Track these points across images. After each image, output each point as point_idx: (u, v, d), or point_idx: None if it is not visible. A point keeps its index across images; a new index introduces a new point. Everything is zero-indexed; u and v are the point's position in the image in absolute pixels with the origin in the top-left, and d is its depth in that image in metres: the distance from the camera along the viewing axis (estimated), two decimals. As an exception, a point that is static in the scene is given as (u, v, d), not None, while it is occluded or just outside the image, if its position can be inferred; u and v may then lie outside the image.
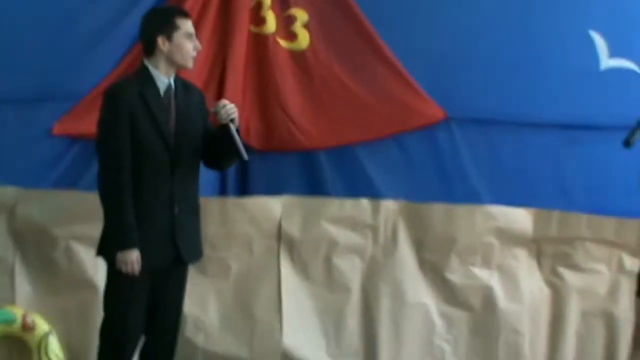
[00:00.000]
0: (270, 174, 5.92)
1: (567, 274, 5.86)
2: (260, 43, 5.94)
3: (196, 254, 4.63)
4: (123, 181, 4.42)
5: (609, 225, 5.76)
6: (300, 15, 5.93)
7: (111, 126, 4.45)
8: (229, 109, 4.56)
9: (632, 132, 4.67)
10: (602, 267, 5.81)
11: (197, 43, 4.49)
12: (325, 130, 5.93)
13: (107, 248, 4.55)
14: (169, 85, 4.48)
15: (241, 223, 5.57)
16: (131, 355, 4.64)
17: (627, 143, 4.64)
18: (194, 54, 4.48)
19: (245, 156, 4.55)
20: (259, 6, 5.91)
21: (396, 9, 5.87)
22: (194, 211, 4.56)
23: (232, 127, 4.55)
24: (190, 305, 5.49)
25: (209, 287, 5.60)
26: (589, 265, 5.85)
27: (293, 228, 5.66)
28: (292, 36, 5.93)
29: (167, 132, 4.44)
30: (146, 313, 4.63)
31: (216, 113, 4.54)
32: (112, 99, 4.44)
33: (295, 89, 5.95)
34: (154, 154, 4.41)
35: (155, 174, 4.44)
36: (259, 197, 5.69)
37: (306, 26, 5.93)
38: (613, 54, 5.98)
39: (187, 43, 4.46)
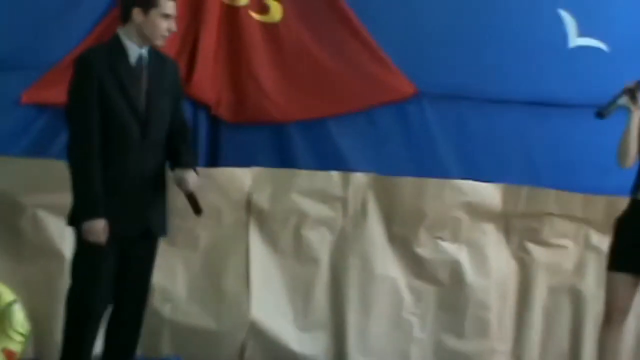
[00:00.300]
0: (241, 146, 5.95)
1: (535, 249, 5.94)
2: (232, 15, 5.96)
3: (164, 227, 4.63)
4: (91, 149, 4.44)
5: (576, 201, 5.84)
6: (273, -13, 5.82)
7: (80, 94, 4.45)
8: (193, 180, 4.54)
9: (608, 105, 4.72)
10: (569, 243, 5.90)
11: (173, 25, 4.48)
12: (297, 103, 5.98)
13: (75, 217, 4.52)
14: (140, 56, 4.46)
15: (210, 193, 5.55)
16: (97, 324, 4.64)
17: (599, 114, 4.71)
18: (166, 34, 4.47)
19: (199, 214, 4.63)
20: (231, -22, 5.80)
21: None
22: (162, 185, 4.55)
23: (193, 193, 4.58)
24: (158, 276, 5.44)
25: (177, 257, 5.62)
26: (556, 240, 5.94)
27: (262, 199, 5.70)
28: (264, 9, 5.97)
29: (137, 102, 4.43)
30: (114, 283, 4.58)
31: (179, 181, 4.51)
32: (82, 67, 4.42)
33: (267, 61, 5.98)
34: (123, 123, 4.40)
35: (125, 143, 4.42)
36: (229, 168, 5.73)
37: (278, -1, 5.79)
38: (582, 33, 5.97)
39: (161, 22, 4.46)
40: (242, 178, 5.67)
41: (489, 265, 5.87)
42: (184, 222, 5.52)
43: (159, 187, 4.65)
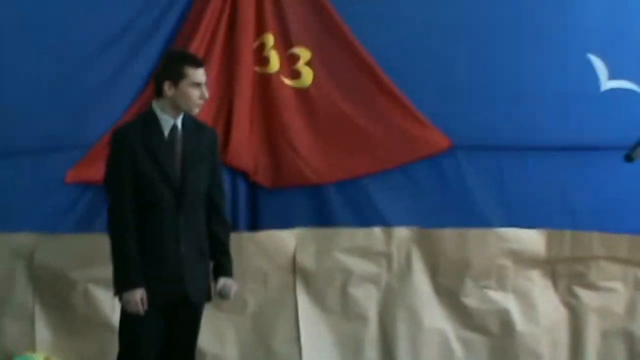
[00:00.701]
0: (280, 209, 6.12)
1: (583, 294, 6.00)
2: (265, 82, 6.18)
3: (204, 294, 4.72)
4: (126, 221, 4.55)
5: (621, 242, 5.91)
6: (303, 54, 6.16)
7: (114, 168, 4.61)
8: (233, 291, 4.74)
9: (635, 147, 4.84)
10: (618, 285, 5.95)
11: (205, 92, 4.63)
12: (333, 165, 6.14)
13: (115, 287, 4.70)
14: (174, 126, 4.64)
15: (256, 257, 5.74)
16: None
17: (628, 157, 4.83)
18: (199, 102, 4.63)
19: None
20: (262, 46, 6.16)
21: (397, 41, 6.13)
22: (201, 252, 4.68)
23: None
24: (208, 342, 5.66)
25: (226, 322, 5.76)
26: (604, 283, 5.99)
27: (307, 260, 5.83)
28: (295, 74, 6.17)
29: (170, 172, 4.59)
30: (160, 352, 4.73)
31: (222, 294, 4.74)
32: (116, 141, 4.62)
33: (301, 125, 6.17)
34: (158, 193, 4.57)
35: (161, 213, 4.58)
36: (272, 230, 5.88)
37: (309, 63, 6.16)
38: (612, 75, 6.12)
39: (193, 91, 4.61)
40: (286, 240, 5.83)
41: (538, 312, 5.95)
42: (231, 287, 5.59)
43: (198, 254, 4.78)
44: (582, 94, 6.15)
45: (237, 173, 6.13)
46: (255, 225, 6.11)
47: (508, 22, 6.09)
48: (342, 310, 5.84)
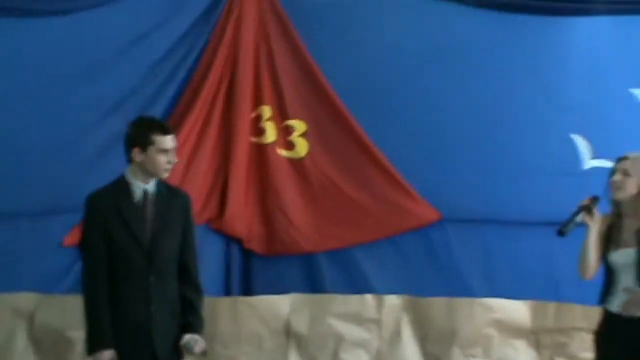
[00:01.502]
0: (273, 276, 6.48)
1: (566, 364, 6.29)
2: (260, 152, 6.59)
3: (173, 354, 4.91)
4: (98, 284, 4.82)
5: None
6: (298, 126, 6.60)
7: (87, 232, 4.88)
8: (199, 347, 4.92)
9: (567, 223, 5.28)
10: (596, 356, 6.33)
11: (173, 157, 4.86)
12: (325, 234, 6.54)
13: (87, 347, 5.01)
14: (145, 191, 4.87)
15: (251, 321, 6.10)
16: None
17: (560, 232, 5.25)
18: (167, 167, 4.86)
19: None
20: (258, 118, 6.58)
21: (390, 116, 6.59)
22: (172, 314, 4.91)
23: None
24: (202, 403, 5.93)
25: (223, 384, 5.96)
26: (585, 354, 6.34)
27: (301, 324, 6.21)
28: (290, 145, 6.61)
29: (141, 237, 4.84)
30: None
31: (186, 348, 4.90)
32: (88, 206, 4.89)
33: (295, 195, 6.57)
34: (129, 257, 4.83)
35: (132, 276, 4.84)
36: (267, 296, 6.24)
37: (304, 135, 6.60)
38: (595, 155, 6.66)
39: (160, 157, 4.85)
40: (281, 304, 6.20)
41: (522, 381, 6.21)
42: (226, 350, 6.09)
43: (169, 316, 4.93)
44: (565, 172, 6.64)
45: (231, 240, 6.48)
46: (248, 291, 6.47)
47: (496, 100, 6.58)
48: (334, 375, 6.04)
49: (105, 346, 4.89)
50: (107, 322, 4.90)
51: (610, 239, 5.27)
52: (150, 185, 5.02)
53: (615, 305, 5.23)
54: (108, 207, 4.97)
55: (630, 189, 5.18)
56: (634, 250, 5.13)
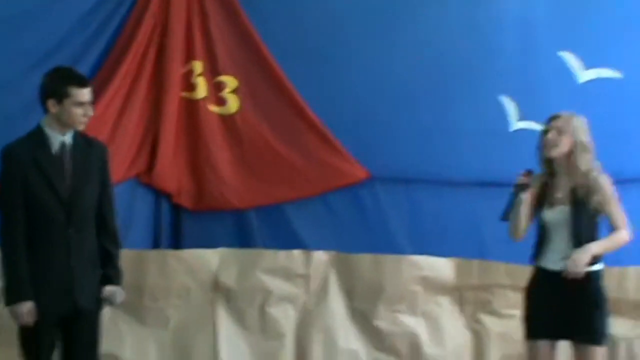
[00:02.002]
0: (202, 231, 6.64)
1: (488, 320, 6.70)
2: (191, 108, 6.72)
3: (95, 302, 5.02)
4: (16, 236, 4.86)
5: (525, 272, 6.45)
6: (230, 82, 6.73)
7: (5, 184, 4.86)
8: (119, 298, 5.08)
9: (508, 209, 5.53)
10: (519, 313, 6.57)
11: (89, 110, 4.90)
12: (254, 190, 6.71)
13: (5, 299, 5.10)
14: (63, 143, 4.90)
15: (179, 274, 6.26)
16: None
17: (504, 218, 5.51)
18: (83, 119, 4.90)
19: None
20: (189, 73, 6.70)
21: (321, 74, 6.76)
22: (93, 264, 4.99)
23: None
24: (130, 355, 6.17)
25: (148, 336, 6.24)
26: (507, 311, 6.66)
27: (229, 279, 6.37)
28: (221, 101, 6.73)
29: (60, 188, 4.89)
30: None
31: (108, 300, 5.05)
32: (5, 159, 4.90)
33: (224, 151, 6.71)
34: (47, 209, 4.87)
35: (51, 227, 4.88)
36: (197, 249, 6.39)
37: (235, 92, 6.73)
38: (522, 116, 6.88)
39: (76, 109, 4.88)
40: (209, 258, 6.36)
41: (444, 336, 6.60)
42: (154, 303, 6.24)
43: (89, 266, 5.01)
44: (493, 133, 6.86)
45: (161, 194, 6.63)
46: (177, 246, 6.62)
47: (427, 60, 6.78)
48: (260, 328, 6.39)
49: (24, 298, 4.98)
50: (26, 274, 4.99)
51: (543, 198, 5.46)
52: (67, 137, 5.08)
53: (550, 262, 5.41)
54: (26, 159, 5.01)
55: (563, 146, 5.40)
56: (568, 208, 5.32)
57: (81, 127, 5.07)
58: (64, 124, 5.03)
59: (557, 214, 5.37)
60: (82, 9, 6.42)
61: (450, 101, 6.83)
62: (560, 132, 5.35)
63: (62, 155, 5.06)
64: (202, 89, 6.70)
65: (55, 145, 5.06)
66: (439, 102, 6.82)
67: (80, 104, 5.02)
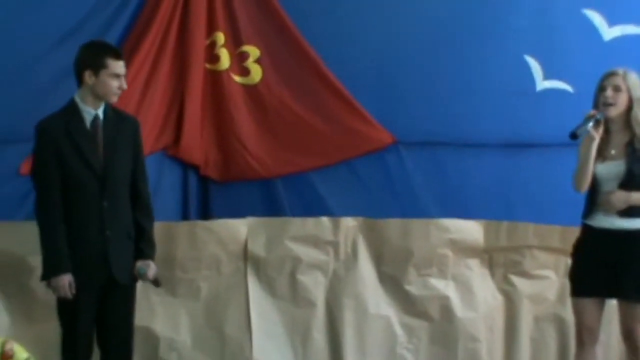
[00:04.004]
0: (230, 202, 6.91)
1: (518, 281, 6.92)
2: (215, 79, 6.96)
3: (130, 275, 5.28)
4: (52, 210, 5.14)
5: (554, 232, 6.83)
6: (253, 52, 6.97)
7: (40, 159, 5.18)
8: (151, 272, 5.30)
9: (579, 126, 5.64)
10: (550, 273, 6.89)
11: (124, 83, 5.19)
12: (281, 159, 6.96)
13: (43, 273, 5.41)
14: (96, 116, 5.20)
15: (209, 245, 6.52)
16: None
17: (573, 135, 5.60)
18: (117, 92, 5.18)
19: (159, 285, 5.46)
20: (212, 44, 6.94)
21: (343, 40, 6.97)
22: (128, 236, 5.25)
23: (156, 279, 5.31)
24: (162, 327, 6.44)
25: (180, 308, 6.52)
26: (537, 271, 6.91)
27: (258, 248, 6.64)
28: (245, 71, 6.98)
29: (94, 161, 5.16)
30: (98, 338, 5.48)
31: (139, 274, 5.28)
32: (39, 133, 5.18)
33: (250, 121, 6.97)
34: (82, 182, 5.14)
35: (85, 200, 5.16)
36: (225, 220, 6.65)
37: (258, 61, 6.97)
38: (547, 76, 7.07)
39: (112, 81, 5.15)
40: (238, 228, 6.62)
41: (476, 299, 6.84)
42: (185, 274, 6.52)
43: (124, 237, 5.28)
44: (518, 93, 7.08)
45: (188, 166, 6.90)
46: (206, 217, 6.89)
47: (448, 22, 6.97)
48: (291, 296, 6.65)
49: (64, 270, 5.29)
50: (64, 247, 5.28)
51: (597, 154, 5.60)
52: (100, 111, 5.36)
53: (599, 220, 5.62)
54: (60, 134, 5.30)
55: (621, 104, 5.56)
56: (622, 162, 5.52)
57: (114, 100, 5.35)
58: (98, 96, 5.31)
59: (611, 168, 5.61)
60: (105, -17, 6.51)
61: (474, 62, 7.02)
62: (617, 89, 5.51)
63: (95, 129, 5.33)
64: (225, 60, 6.94)
65: (88, 119, 5.34)
66: (461, 63, 7.01)
67: (117, 75, 5.30)
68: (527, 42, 7.06)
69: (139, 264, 5.39)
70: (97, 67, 5.17)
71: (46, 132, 5.34)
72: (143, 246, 5.42)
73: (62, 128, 5.30)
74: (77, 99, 5.37)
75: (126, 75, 5.43)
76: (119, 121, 5.42)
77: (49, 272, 5.32)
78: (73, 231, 5.30)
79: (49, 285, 5.35)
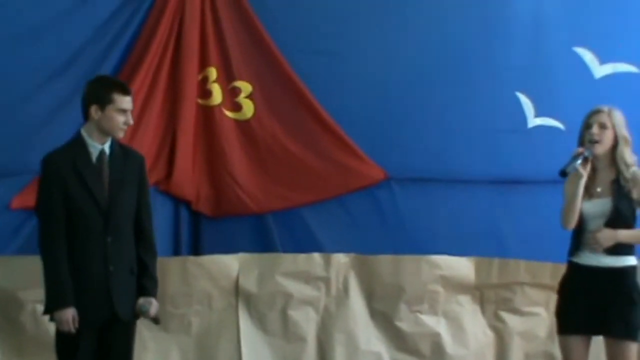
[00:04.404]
0: (222, 237, 6.93)
1: (509, 318, 6.98)
2: (207, 114, 7.02)
3: (132, 312, 5.27)
4: (56, 244, 5.14)
5: (545, 269, 6.88)
6: (245, 87, 7.03)
7: (45, 192, 5.19)
8: (153, 309, 5.29)
9: (568, 164, 5.67)
10: (541, 310, 6.94)
11: (130, 118, 5.20)
12: (272, 195, 7.00)
13: (46, 307, 5.41)
14: (102, 151, 5.21)
15: (200, 280, 6.56)
16: None
17: (563, 173, 5.65)
18: (123, 127, 5.19)
19: (158, 322, 5.47)
20: (205, 80, 7.00)
21: (336, 77, 7.04)
22: (131, 272, 5.25)
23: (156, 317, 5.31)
24: (154, 362, 6.40)
25: (171, 343, 6.55)
26: (528, 308, 6.97)
27: (250, 283, 6.68)
28: (237, 107, 7.04)
29: (99, 196, 5.17)
30: None
31: (141, 311, 5.25)
32: (46, 167, 5.19)
33: (241, 156, 7.02)
34: (86, 217, 5.15)
35: (89, 235, 5.17)
36: (217, 255, 6.70)
37: (250, 97, 7.03)
38: (539, 113, 7.14)
39: (118, 117, 5.17)
40: (230, 264, 6.66)
41: (466, 335, 6.89)
42: (176, 309, 6.55)
43: (127, 273, 5.28)
44: (510, 130, 7.14)
45: (180, 201, 6.94)
46: (197, 252, 6.93)
47: (441, 59, 7.04)
48: (282, 332, 6.69)
49: (67, 304, 5.29)
50: (68, 280, 5.28)
51: (584, 191, 5.64)
52: (106, 146, 5.38)
53: (585, 257, 5.67)
54: (66, 168, 5.31)
55: (607, 141, 5.61)
56: (609, 199, 5.57)
57: (120, 135, 5.38)
58: (104, 131, 5.33)
59: (597, 207, 5.63)
60: (98, 19, 6.72)
61: (466, 99, 7.09)
62: (603, 126, 5.55)
63: (101, 164, 5.36)
64: (217, 95, 6.99)
65: (94, 154, 5.37)
66: (453, 100, 7.08)
67: (123, 110, 5.33)
68: (519, 79, 7.14)
69: (141, 300, 5.42)
70: (104, 102, 5.20)
71: (52, 166, 5.37)
72: (145, 282, 5.46)
73: (69, 162, 5.34)
74: (84, 134, 5.40)
75: (132, 111, 5.44)
76: (125, 157, 5.46)
77: (53, 306, 5.34)
78: (76, 266, 5.32)
79: (51, 319, 5.34)
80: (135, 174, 5.44)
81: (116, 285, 5.33)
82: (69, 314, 5.25)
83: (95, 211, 5.30)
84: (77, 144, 5.37)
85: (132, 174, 5.38)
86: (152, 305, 5.40)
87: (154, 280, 5.46)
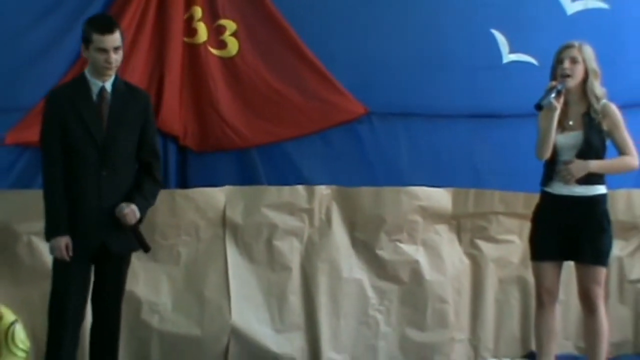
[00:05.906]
0: (208, 171, 7.14)
1: (484, 246, 7.26)
2: (193, 52, 7.19)
3: (125, 246, 5.49)
4: (53, 175, 5.36)
5: (518, 199, 7.15)
6: (229, 25, 7.20)
7: (46, 127, 5.41)
8: (130, 214, 5.40)
9: (543, 97, 5.93)
10: (514, 238, 7.23)
11: (111, 57, 5.29)
12: (256, 130, 7.21)
13: (45, 234, 5.66)
14: (102, 88, 5.38)
15: (188, 212, 6.78)
16: (73, 333, 5.51)
17: (538, 107, 5.89)
18: (106, 65, 5.31)
19: (148, 249, 5.61)
20: (190, 18, 7.17)
21: (317, 13, 7.21)
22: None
23: (136, 228, 5.45)
24: (144, 290, 6.72)
25: (160, 272, 6.79)
26: (503, 236, 7.25)
27: (236, 215, 6.90)
28: (222, 44, 7.20)
29: (96, 131, 5.35)
30: (92, 305, 5.76)
31: (120, 216, 5.38)
32: (48, 102, 5.43)
33: (227, 93, 7.19)
34: (82, 151, 5.33)
35: (86, 170, 5.35)
36: (204, 188, 6.91)
37: (235, 35, 7.20)
38: (513, 49, 7.34)
39: (98, 56, 5.29)
40: (217, 196, 6.87)
41: (444, 262, 7.17)
42: (165, 240, 6.79)
43: None
44: (486, 66, 7.35)
45: (167, 137, 7.12)
46: (185, 185, 7.14)
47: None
48: (268, 261, 6.93)
49: (62, 232, 5.54)
50: (64, 210, 5.51)
51: (557, 124, 5.89)
52: (108, 83, 5.57)
53: (557, 187, 5.90)
54: (66, 104, 5.52)
55: (578, 75, 5.85)
56: (580, 132, 5.82)
57: (107, 73, 5.52)
58: (95, 69, 5.49)
59: (569, 139, 5.91)
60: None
61: (443, 35, 7.29)
62: (574, 61, 5.76)
63: (101, 101, 5.55)
64: (202, 34, 7.14)
65: (94, 91, 5.56)
66: (432, 35, 7.29)
67: (102, 50, 5.48)
68: (493, 16, 7.33)
69: (122, 204, 5.56)
70: (87, 42, 5.38)
71: (53, 101, 5.57)
72: (133, 193, 5.60)
73: (69, 99, 5.52)
74: (86, 71, 5.60)
75: (117, 49, 5.45)
76: (128, 94, 5.62)
77: (50, 234, 5.58)
78: (72, 197, 5.52)
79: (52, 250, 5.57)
80: (139, 113, 5.62)
81: (108, 219, 5.52)
82: (63, 242, 5.49)
83: (92, 146, 5.49)
84: (80, 81, 5.57)
85: (134, 112, 5.58)
86: (130, 209, 5.51)
87: (143, 196, 5.59)
